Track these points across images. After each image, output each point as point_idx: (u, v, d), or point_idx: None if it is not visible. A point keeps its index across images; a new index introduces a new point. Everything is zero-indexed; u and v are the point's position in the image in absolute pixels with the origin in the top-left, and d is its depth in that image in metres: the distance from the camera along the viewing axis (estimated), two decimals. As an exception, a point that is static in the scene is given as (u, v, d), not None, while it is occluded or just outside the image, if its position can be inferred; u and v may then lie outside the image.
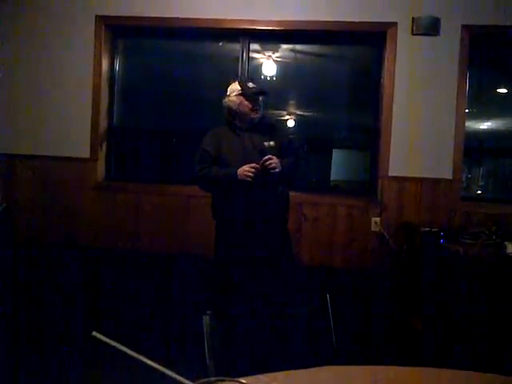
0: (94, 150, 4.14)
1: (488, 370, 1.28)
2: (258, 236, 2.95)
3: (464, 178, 4.01)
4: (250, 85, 3.03)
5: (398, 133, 3.86)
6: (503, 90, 4.20)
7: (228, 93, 3.04)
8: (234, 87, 3.03)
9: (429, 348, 3.07)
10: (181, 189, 4.06)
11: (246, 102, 2.95)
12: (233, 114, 3.00)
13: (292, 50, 4.24)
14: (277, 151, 2.92)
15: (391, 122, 3.86)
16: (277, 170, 2.82)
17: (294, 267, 3.14)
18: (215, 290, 3.08)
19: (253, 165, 2.80)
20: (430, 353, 3.02)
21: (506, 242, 3.14)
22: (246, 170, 2.80)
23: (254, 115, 2.96)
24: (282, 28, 3.97)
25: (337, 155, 4.44)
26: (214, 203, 3.08)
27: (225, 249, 3.03)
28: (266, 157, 2.81)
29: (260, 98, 3.03)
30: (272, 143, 2.94)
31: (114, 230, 4.11)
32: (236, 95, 2.98)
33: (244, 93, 2.97)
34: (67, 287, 3.91)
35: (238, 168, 2.83)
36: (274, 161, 2.81)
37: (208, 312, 1.44)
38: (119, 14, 4.09)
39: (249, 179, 2.79)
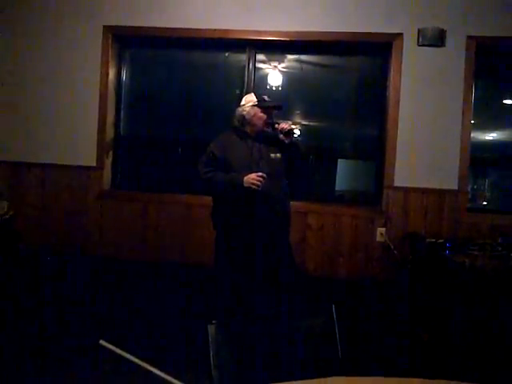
0: (100, 158, 4.16)
1: (495, 382, 1.27)
2: (261, 247, 2.94)
3: (470, 189, 3.99)
4: (266, 98, 3.05)
5: (403, 143, 3.86)
6: (509, 101, 4.20)
7: (243, 102, 3.07)
8: (250, 98, 3.05)
9: (435, 359, 3.05)
10: (186, 198, 4.07)
11: (261, 114, 2.98)
12: (244, 123, 3.01)
13: (298, 61, 4.26)
14: (283, 163, 2.99)
15: (397, 132, 3.86)
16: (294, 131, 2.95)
17: (297, 277, 3.13)
18: (219, 300, 3.08)
19: (260, 173, 2.80)
20: (436, 364, 3.00)
21: (511, 254, 3.13)
22: (252, 177, 2.79)
23: (267, 128, 2.98)
24: (288, 38, 3.99)
25: (342, 165, 4.44)
26: (214, 213, 3.07)
27: (226, 260, 3.01)
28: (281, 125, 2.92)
29: (274, 112, 3.07)
30: (279, 155, 2.98)
31: (119, 238, 4.12)
32: (251, 106, 3.00)
33: (260, 105, 2.99)
34: (72, 295, 3.91)
35: (244, 175, 2.82)
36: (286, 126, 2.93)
37: (213, 321, 1.44)
38: (126, 25, 4.13)
39: (254, 187, 2.78)
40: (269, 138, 3.02)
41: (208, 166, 2.95)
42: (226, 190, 2.92)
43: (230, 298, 2.99)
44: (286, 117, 4.25)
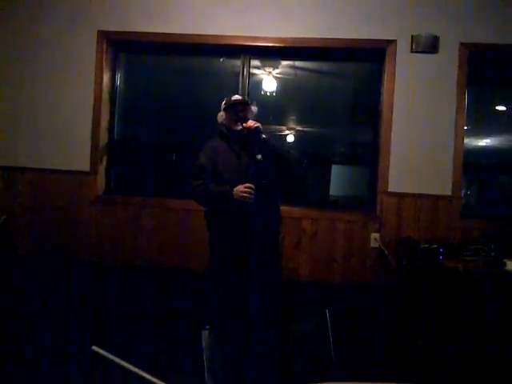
0: (94, 163, 4.15)
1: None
2: (252, 248, 2.93)
3: (463, 195, 4.01)
4: (234, 97, 3.06)
5: (397, 149, 3.87)
6: (502, 108, 4.23)
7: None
8: (223, 103, 3.09)
9: (429, 364, 3.05)
10: (180, 203, 4.06)
11: (229, 115, 3.00)
12: (224, 128, 3.04)
13: (292, 67, 4.28)
14: (268, 163, 2.93)
15: (390, 138, 3.88)
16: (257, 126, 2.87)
17: (280, 280, 3.12)
18: (212, 304, 3.08)
19: (247, 185, 2.81)
20: (429, 369, 3.00)
21: (505, 259, 3.14)
22: (241, 190, 2.80)
23: (237, 127, 2.95)
24: (283, 44, 4.00)
25: (336, 171, 4.45)
26: (207, 214, 3.10)
27: (218, 260, 3.02)
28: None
29: (252, 110, 3.05)
30: (259, 156, 2.90)
31: (113, 243, 4.10)
32: (222, 109, 3.05)
33: (225, 106, 3.03)
34: (66, 301, 3.89)
35: (234, 186, 2.83)
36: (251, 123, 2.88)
37: (207, 327, 1.44)
38: (121, 30, 4.12)
39: (246, 200, 2.79)
40: (251, 139, 2.95)
41: (198, 179, 2.95)
42: (218, 202, 2.95)
43: (222, 300, 2.99)
44: (281, 122, 4.29)
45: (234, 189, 2.82)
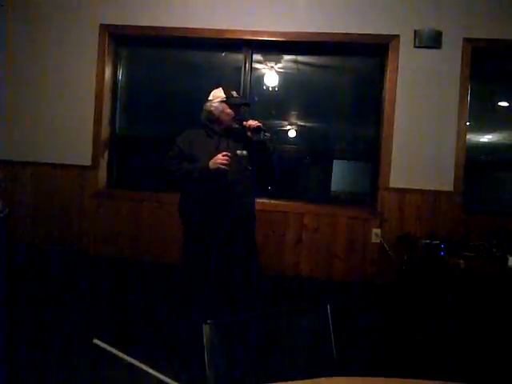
0: (95, 157, 4.15)
1: (490, 383, 1.27)
2: (223, 242, 2.94)
3: (465, 190, 3.99)
4: (235, 94, 3.06)
5: (399, 144, 3.86)
6: (505, 103, 4.22)
7: (211, 98, 3.06)
8: (218, 94, 3.04)
9: (430, 360, 3.05)
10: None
11: (229, 111, 2.99)
12: (212, 119, 3.02)
13: (294, 61, 4.26)
14: (249, 160, 2.99)
15: (392, 133, 3.87)
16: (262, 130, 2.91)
17: (257, 276, 3.12)
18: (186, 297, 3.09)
19: (225, 153, 2.81)
20: (430, 365, 3.00)
21: (507, 256, 3.13)
22: (217, 158, 2.80)
23: (235, 125, 2.98)
24: (285, 39, 3.99)
25: (338, 166, 4.44)
26: (180, 209, 3.07)
27: (191, 255, 3.02)
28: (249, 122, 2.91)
29: (244, 109, 3.12)
30: (245, 152, 2.97)
31: (114, 237, 4.11)
32: (219, 102, 3.00)
33: (228, 101, 3.00)
34: (66, 294, 3.90)
35: (208, 161, 2.83)
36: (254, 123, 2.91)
37: (208, 321, 1.43)
38: (123, 24, 4.12)
39: (223, 167, 2.79)
40: (236, 134, 3.01)
41: (172, 159, 2.98)
42: (193, 178, 2.91)
43: (196, 295, 3.01)
44: (283, 117, 4.28)
45: (210, 161, 2.82)
